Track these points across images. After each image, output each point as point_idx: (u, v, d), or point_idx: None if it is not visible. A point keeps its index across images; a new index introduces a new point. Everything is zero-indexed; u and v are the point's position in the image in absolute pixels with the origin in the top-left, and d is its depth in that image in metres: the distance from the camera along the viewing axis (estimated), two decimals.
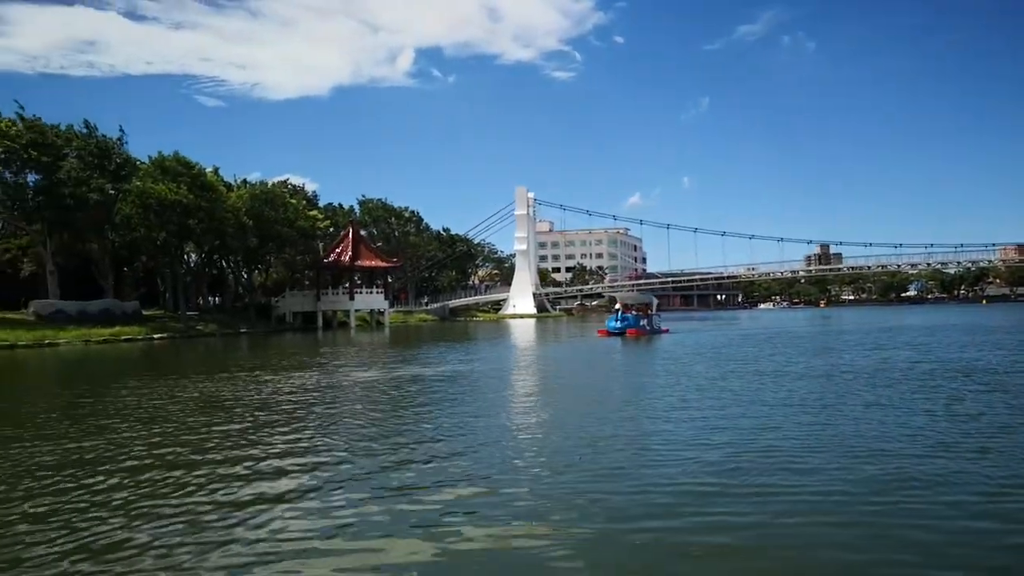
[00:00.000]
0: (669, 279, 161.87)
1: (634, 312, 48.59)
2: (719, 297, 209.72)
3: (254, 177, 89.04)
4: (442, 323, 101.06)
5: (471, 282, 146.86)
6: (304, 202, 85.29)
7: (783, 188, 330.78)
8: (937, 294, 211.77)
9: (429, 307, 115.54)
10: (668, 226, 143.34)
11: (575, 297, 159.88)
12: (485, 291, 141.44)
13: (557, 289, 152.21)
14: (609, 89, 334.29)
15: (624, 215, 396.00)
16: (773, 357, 29.02)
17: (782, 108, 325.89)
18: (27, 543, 7.33)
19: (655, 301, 52.94)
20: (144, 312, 67.13)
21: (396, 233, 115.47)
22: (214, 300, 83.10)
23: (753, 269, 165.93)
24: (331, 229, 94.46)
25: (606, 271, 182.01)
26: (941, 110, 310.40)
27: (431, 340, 51.70)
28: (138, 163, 65.88)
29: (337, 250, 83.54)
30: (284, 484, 9.48)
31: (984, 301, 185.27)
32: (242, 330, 69.19)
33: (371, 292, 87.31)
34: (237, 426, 14.32)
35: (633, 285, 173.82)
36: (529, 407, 16.83)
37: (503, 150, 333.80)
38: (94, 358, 38.95)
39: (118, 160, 63.25)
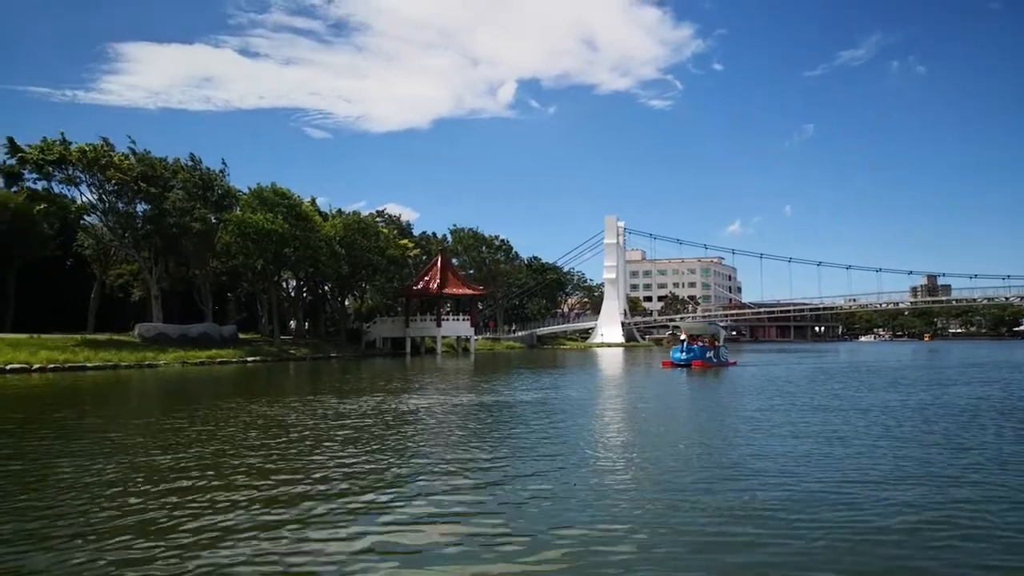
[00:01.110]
0: (764, 309, 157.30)
1: (700, 343, 47.02)
2: (817, 329, 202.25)
3: (358, 206, 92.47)
4: (528, 351, 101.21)
5: (560, 310, 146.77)
6: (396, 231, 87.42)
7: (886, 217, 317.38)
8: None
9: (517, 335, 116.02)
10: (761, 255, 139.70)
11: (666, 327, 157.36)
12: (574, 319, 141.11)
13: (647, 318, 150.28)
14: (708, 116, 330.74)
15: (723, 244, 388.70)
16: (837, 392, 28.05)
17: (889, 135, 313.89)
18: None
19: (722, 332, 50.98)
20: (242, 336, 70.06)
21: (487, 261, 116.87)
22: (308, 325, 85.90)
23: (853, 300, 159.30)
24: (424, 257, 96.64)
25: (699, 301, 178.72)
26: None
27: (508, 367, 51.85)
28: (239, 194, 69.19)
29: (426, 278, 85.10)
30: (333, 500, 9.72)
31: None
32: (332, 354, 71.19)
33: (458, 319, 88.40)
34: (294, 448, 14.74)
35: (727, 315, 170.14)
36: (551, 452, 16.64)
37: (599, 179, 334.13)
38: (187, 379, 40.89)
39: (220, 191, 66.61)
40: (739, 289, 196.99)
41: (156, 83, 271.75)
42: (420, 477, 11.97)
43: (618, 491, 10.79)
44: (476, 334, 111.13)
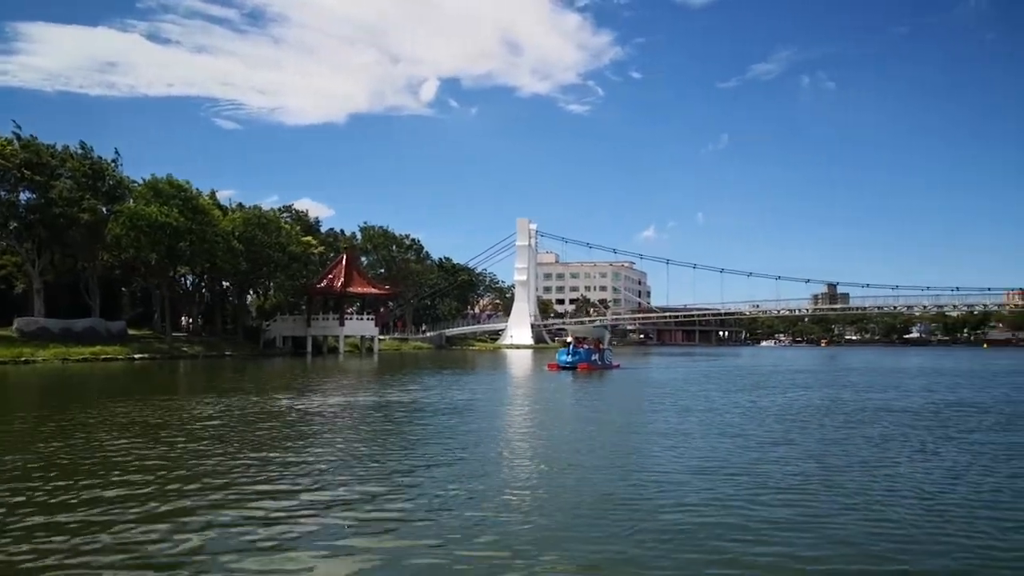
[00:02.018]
0: (671, 314, 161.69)
1: (586, 346, 47.65)
2: (722, 334, 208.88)
3: (271, 201, 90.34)
4: (436, 352, 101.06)
5: (472, 312, 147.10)
6: (300, 228, 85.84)
7: (791, 227, 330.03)
8: (940, 337, 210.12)
9: (426, 335, 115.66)
10: (668, 261, 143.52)
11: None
12: (485, 321, 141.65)
13: (558, 320, 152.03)
14: (626, 123, 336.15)
15: (637, 249, 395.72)
16: (705, 394, 29.34)
17: (799, 147, 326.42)
18: None
19: (607, 335, 52.21)
20: (134, 332, 67.63)
21: (397, 260, 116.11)
22: (202, 322, 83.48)
23: (756, 306, 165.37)
24: (331, 255, 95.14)
25: (609, 304, 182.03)
26: (953, 156, 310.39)
27: (402, 369, 51.75)
28: (133, 185, 66.75)
29: (330, 276, 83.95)
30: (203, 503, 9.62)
31: (985, 345, 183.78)
32: (227, 353, 69.44)
33: (362, 319, 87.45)
34: (153, 450, 14.46)
35: (635, 319, 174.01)
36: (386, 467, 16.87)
37: (516, 181, 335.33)
38: (64, 376, 39.27)
39: (111, 181, 64.15)
40: (648, 293, 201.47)
41: (55, 65, 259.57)
42: (241, 478, 11.96)
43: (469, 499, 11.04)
44: (384, 334, 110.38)
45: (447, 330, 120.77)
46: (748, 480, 12.10)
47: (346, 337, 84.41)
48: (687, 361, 73.25)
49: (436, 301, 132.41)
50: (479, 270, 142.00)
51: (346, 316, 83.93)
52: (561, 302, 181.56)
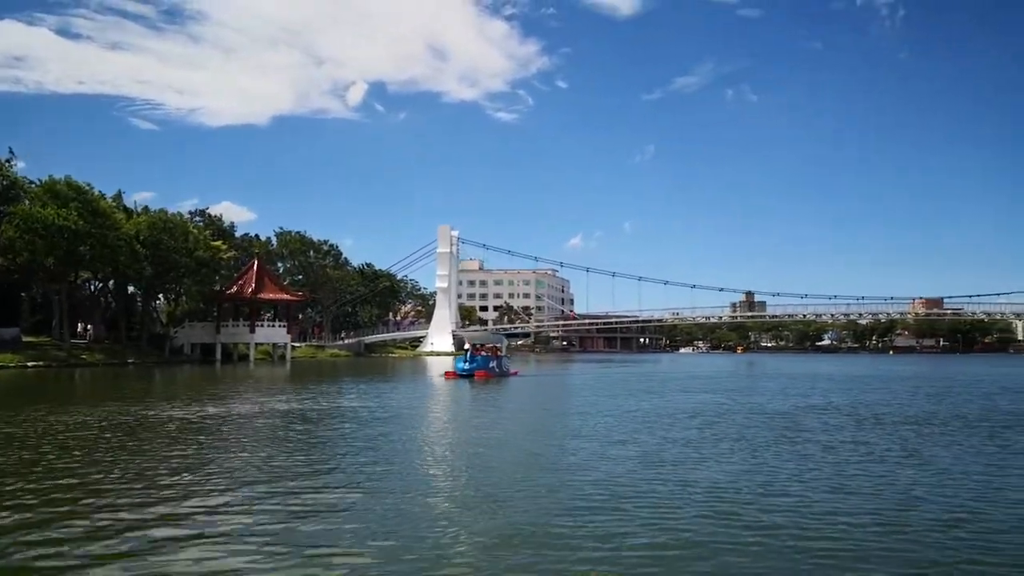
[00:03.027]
0: (593, 321, 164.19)
1: (484, 353, 47.25)
2: (642, 340, 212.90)
3: (190, 204, 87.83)
4: (354, 359, 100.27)
5: (393, 319, 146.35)
6: (209, 232, 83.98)
7: (715, 236, 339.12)
8: (850, 344, 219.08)
9: (344, 342, 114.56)
10: (587, 269, 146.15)
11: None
12: (407, 328, 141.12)
13: (478, 328, 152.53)
14: (554, 132, 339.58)
15: (566, 257, 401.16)
16: (591, 399, 30.19)
17: (723, 158, 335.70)
18: None
19: (505, 342, 52.20)
20: (30, 340, 65.20)
21: (314, 266, 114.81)
22: (107, 329, 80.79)
23: (676, 313, 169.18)
24: (246, 260, 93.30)
25: (532, 311, 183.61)
26: (867, 169, 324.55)
27: (313, 376, 51.44)
28: (28, 186, 64.40)
29: (240, 282, 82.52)
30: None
31: (891, 352, 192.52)
32: (130, 361, 67.51)
33: (274, 326, 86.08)
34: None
35: (561, 325, 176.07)
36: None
37: (443, 188, 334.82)
38: None
39: (4, 182, 61.77)
40: (572, 301, 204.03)
41: None
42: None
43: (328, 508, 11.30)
44: (301, 341, 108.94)
45: (366, 337, 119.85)
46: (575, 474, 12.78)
47: (258, 345, 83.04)
48: (597, 368, 74.74)
49: (357, 308, 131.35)
50: (401, 277, 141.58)
51: (257, 323, 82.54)
52: (485, 309, 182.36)
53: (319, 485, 12.18)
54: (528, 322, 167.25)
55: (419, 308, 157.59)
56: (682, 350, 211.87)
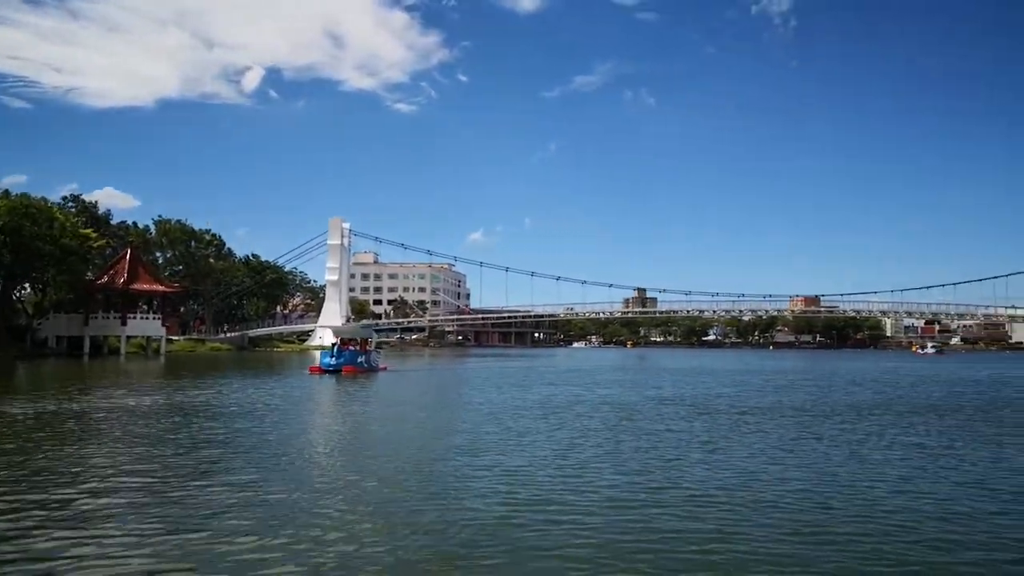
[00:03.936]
0: (486, 316, 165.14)
1: (352, 348, 45.91)
2: (537, 335, 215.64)
3: (69, 189, 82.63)
4: (236, 353, 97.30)
5: (282, 312, 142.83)
6: (80, 219, 79.75)
7: (608, 234, 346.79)
8: (733, 339, 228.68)
9: (227, 336, 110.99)
10: (481, 264, 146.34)
11: (395, 330, 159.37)
12: (296, 321, 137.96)
13: (373, 321, 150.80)
14: (454, 125, 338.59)
15: (466, 252, 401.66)
16: (452, 394, 30.62)
17: (621, 158, 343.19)
18: None
19: (375, 336, 50.95)
20: None
21: (196, 257, 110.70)
22: None
23: (571, 309, 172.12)
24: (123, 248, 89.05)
25: (427, 305, 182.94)
26: (756, 172, 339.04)
27: (184, 370, 49.61)
28: None
29: (112, 272, 78.76)
30: None
31: (771, 347, 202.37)
32: None
33: (148, 318, 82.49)
34: None
35: (455, 320, 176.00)
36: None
37: (339, 179, 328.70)
38: None
39: None
40: (467, 295, 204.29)
41: None
42: None
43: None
44: (182, 334, 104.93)
45: (251, 331, 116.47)
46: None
47: (131, 338, 79.46)
48: (493, 362, 75.40)
49: (243, 301, 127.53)
50: (290, 269, 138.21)
51: (130, 315, 78.95)
52: (379, 303, 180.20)
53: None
54: (423, 316, 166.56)
55: (309, 301, 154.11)
56: (575, 344, 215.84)
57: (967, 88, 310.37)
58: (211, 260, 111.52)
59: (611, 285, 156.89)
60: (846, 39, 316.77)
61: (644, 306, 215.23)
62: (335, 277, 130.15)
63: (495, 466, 13.67)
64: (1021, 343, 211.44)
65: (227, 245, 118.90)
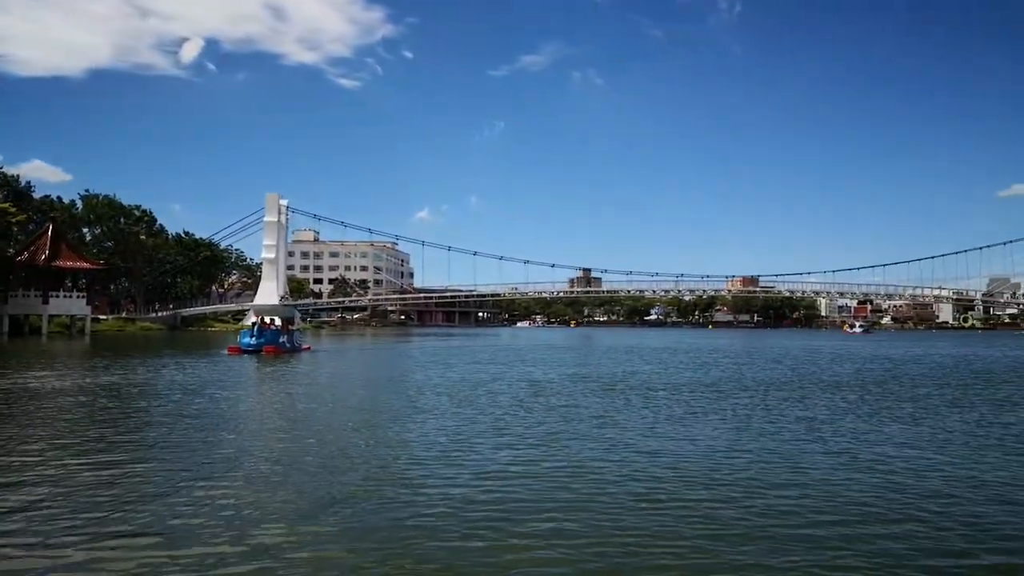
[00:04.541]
0: (428, 295, 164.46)
1: (273, 327, 44.07)
2: (481, 315, 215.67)
3: None
4: (169, 333, 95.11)
5: (217, 290, 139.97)
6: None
7: (556, 214, 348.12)
8: (674, 319, 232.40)
9: (158, 315, 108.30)
10: (423, 243, 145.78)
11: (336, 310, 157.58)
12: (232, 300, 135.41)
13: (310, 301, 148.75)
14: (400, 102, 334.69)
15: (411, 230, 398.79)
16: (373, 373, 30.45)
17: (569, 138, 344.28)
18: None
19: (297, 315, 49.45)
20: None
21: (125, 233, 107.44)
22: None
23: (515, 288, 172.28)
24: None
25: (369, 284, 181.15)
26: (702, 155, 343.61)
27: (116, 352, 48.01)
28: None
29: (33, 248, 76.00)
30: None
31: (711, 326, 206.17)
32: None
33: (71, 296, 79.85)
34: None
35: (397, 299, 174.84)
36: None
37: (279, 155, 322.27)
38: None
39: None
40: (411, 274, 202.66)
41: None
42: None
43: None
44: (111, 314, 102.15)
45: (184, 310, 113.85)
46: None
47: (54, 317, 76.95)
48: (435, 341, 75.13)
49: (177, 279, 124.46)
50: (226, 246, 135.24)
51: (52, 293, 76.36)
52: (319, 281, 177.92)
53: None
54: (364, 296, 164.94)
55: (246, 280, 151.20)
56: (520, 324, 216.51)
57: (904, 72, 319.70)
58: (142, 237, 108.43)
59: (553, 265, 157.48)
60: (789, 24, 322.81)
61: (589, 286, 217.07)
62: (272, 255, 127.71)
63: (375, 442, 13.63)
64: (947, 323, 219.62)
65: (159, 221, 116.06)
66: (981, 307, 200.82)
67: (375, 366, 38.45)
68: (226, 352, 42.86)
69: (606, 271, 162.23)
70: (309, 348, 47.67)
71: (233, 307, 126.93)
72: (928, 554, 7.57)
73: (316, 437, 14.23)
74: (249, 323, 45.12)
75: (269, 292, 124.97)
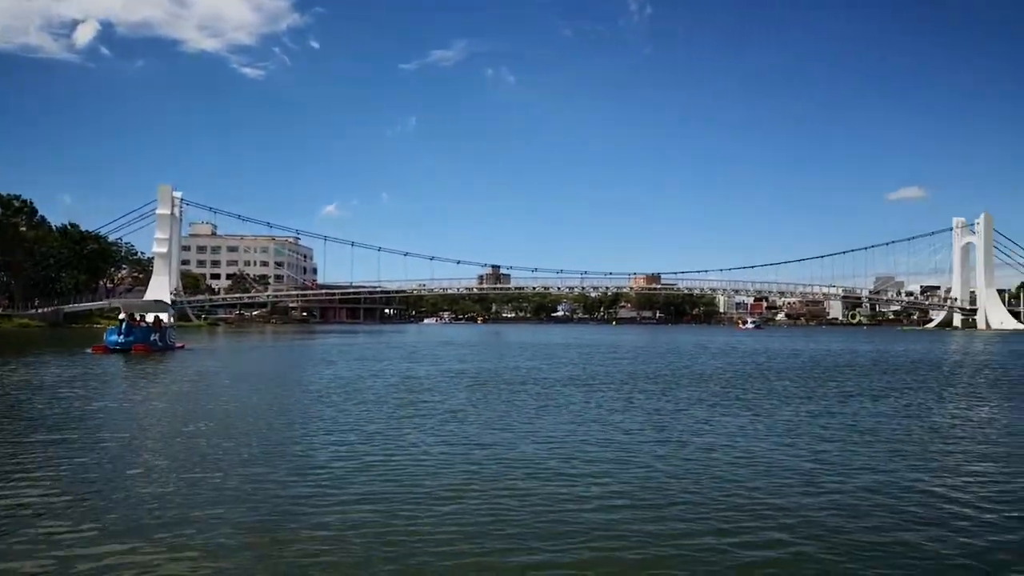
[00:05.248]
0: (330, 292, 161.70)
1: (144, 324, 41.91)
2: (387, 311, 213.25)
3: None
4: (50, 330, 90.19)
5: (106, 286, 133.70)
6: None
7: (468, 209, 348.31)
8: (580, 315, 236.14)
9: (39, 312, 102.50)
10: (325, 238, 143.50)
11: (235, 306, 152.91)
12: (122, 295, 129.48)
13: (205, 297, 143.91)
14: (308, 93, 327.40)
15: (319, 226, 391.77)
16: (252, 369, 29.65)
17: (478, 135, 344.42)
18: None
19: (171, 311, 46.07)
20: None
21: (3, 224, 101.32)
22: None
23: (423, 284, 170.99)
24: None
25: (271, 280, 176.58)
26: (608, 154, 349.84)
27: None
28: None
29: None
30: None
31: (614, 323, 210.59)
32: None
33: None
34: None
35: (299, 295, 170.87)
36: None
37: (179, 146, 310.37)
38: None
39: None
40: (314, 270, 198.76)
41: None
42: None
43: None
44: None
45: (67, 306, 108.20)
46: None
47: None
48: (337, 340, 73.60)
49: (62, 273, 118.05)
50: (115, 239, 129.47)
51: None
52: (217, 277, 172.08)
53: None
54: (264, 292, 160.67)
55: (137, 275, 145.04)
56: (426, 321, 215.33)
57: (803, 75, 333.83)
58: (21, 228, 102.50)
59: (459, 261, 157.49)
60: (698, 27, 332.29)
61: (498, 282, 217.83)
62: (164, 249, 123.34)
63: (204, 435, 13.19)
64: (837, 319, 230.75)
65: (41, 213, 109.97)
66: (868, 304, 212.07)
67: (251, 365, 37.01)
68: (90, 351, 39.61)
69: (512, 268, 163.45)
70: (184, 346, 45.29)
71: (122, 303, 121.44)
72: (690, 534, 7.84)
73: (143, 437, 13.67)
74: (150, 320, 42.67)
75: (161, 287, 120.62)
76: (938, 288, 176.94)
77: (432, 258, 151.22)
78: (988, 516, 8.71)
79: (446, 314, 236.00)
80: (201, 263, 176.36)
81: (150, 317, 43.77)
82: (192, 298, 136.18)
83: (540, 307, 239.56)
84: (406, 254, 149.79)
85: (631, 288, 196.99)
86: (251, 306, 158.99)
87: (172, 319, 45.31)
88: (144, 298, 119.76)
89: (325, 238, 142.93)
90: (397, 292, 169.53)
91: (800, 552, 7.38)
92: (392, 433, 14.12)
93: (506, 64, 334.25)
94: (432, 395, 21.17)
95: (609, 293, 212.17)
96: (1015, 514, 8.80)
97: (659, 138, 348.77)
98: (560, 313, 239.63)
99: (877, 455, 12.42)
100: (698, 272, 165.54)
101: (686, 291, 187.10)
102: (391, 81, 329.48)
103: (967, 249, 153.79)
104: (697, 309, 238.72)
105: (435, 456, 11.91)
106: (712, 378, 28.29)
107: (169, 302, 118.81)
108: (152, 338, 41.06)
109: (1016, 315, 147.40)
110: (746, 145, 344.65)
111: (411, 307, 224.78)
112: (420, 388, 23.16)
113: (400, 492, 9.50)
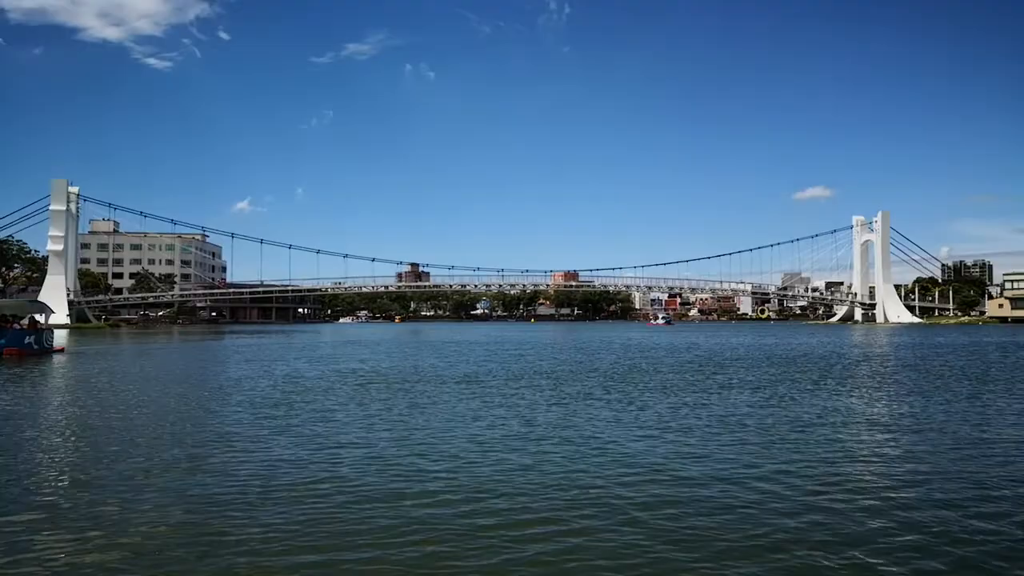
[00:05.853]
0: (237, 291, 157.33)
1: (18, 325, 39.53)
2: (301, 310, 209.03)
3: None
4: None
5: None
6: None
7: (382, 209, 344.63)
8: (500, 312, 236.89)
9: None
10: (232, 235, 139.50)
11: (139, 306, 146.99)
12: (14, 295, 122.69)
13: (106, 297, 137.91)
14: (218, 86, 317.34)
15: (230, 222, 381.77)
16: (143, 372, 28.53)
17: (396, 131, 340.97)
18: None
19: (48, 312, 43.09)
20: None
21: None
22: None
23: (339, 283, 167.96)
24: None
25: (177, 279, 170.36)
26: (527, 154, 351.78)
27: None
28: None
29: None
30: None
31: (533, 320, 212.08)
32: None
33: None
34: None
35: (207, 294, 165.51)
36: None
37: (79, 140, 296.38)
38: None
39: None
40: (223, 268, 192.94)
41: None
42: None
43: None
44: None
45: None
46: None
47: None
48: (222, 341, 71.44)
49: None
50: (6, 237, 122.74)
51: None
52: (119, 276, 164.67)
53: None
54: (170, 291, 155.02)
55: (31, 274, 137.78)
56: (342, 320, 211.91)
57: (720, 76, 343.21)
58: None
59: (374, 259, 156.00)
60: (617, 27, 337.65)
61: (418, 280, 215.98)
62: (59, 247, 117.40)
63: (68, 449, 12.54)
64: (747, 314, 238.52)
65: None
66: (776, 300, 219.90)
67: (137, 368, 35.11)
68: None
69: (429, 265, 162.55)
70: (63, 349, 42.88)
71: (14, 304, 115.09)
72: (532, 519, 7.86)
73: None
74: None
75: (57, 287, 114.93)
76: (841, 284, 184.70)
77: (346, 256, 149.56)
78: (808, 499, 9.04)
79: (363, 313, 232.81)
80: (102, 262, 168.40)
81: (41, 318, 41.60)
82: (92, 298, 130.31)
83: (459, 305, 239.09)
84: (318, 251, 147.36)
85: (548, 286, 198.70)
86: (157, 306, 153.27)
87: (47, 320, 42.49)
88: (38, 298, 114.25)
89: (232, 235, 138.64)
90: (311, 291, 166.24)
91: (631, 543, 7.49)
92: (250, 434, 13.76)
93: (425, 60, 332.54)
94: (313, 395, 20.72)
95: (528, 291, 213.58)
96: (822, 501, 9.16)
97: (576, 135, 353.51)
98: (479, 311, 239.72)
99: (730, 445, 12.77)
100: (613, 270, 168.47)
101: (602, 288, 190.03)
102: (305, 74, 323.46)
103: (866, 246, 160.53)
104: (614, 306, 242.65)
105: (290, 459, 11.61)
106: (604, 372, 28.73)
107: (65, 302, 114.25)
108: (26, 341, 38.64)
109: (912, 309, 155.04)
110: (662, 144, 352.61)
111: (326, 306, 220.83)
112: (303, 389, 22.63)
113: (233, 494, 9.23)
